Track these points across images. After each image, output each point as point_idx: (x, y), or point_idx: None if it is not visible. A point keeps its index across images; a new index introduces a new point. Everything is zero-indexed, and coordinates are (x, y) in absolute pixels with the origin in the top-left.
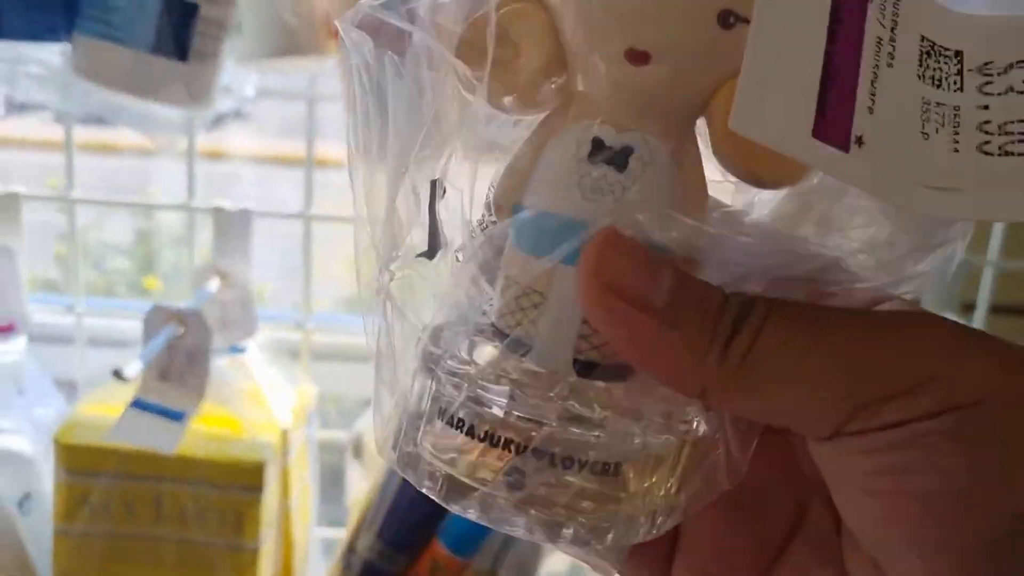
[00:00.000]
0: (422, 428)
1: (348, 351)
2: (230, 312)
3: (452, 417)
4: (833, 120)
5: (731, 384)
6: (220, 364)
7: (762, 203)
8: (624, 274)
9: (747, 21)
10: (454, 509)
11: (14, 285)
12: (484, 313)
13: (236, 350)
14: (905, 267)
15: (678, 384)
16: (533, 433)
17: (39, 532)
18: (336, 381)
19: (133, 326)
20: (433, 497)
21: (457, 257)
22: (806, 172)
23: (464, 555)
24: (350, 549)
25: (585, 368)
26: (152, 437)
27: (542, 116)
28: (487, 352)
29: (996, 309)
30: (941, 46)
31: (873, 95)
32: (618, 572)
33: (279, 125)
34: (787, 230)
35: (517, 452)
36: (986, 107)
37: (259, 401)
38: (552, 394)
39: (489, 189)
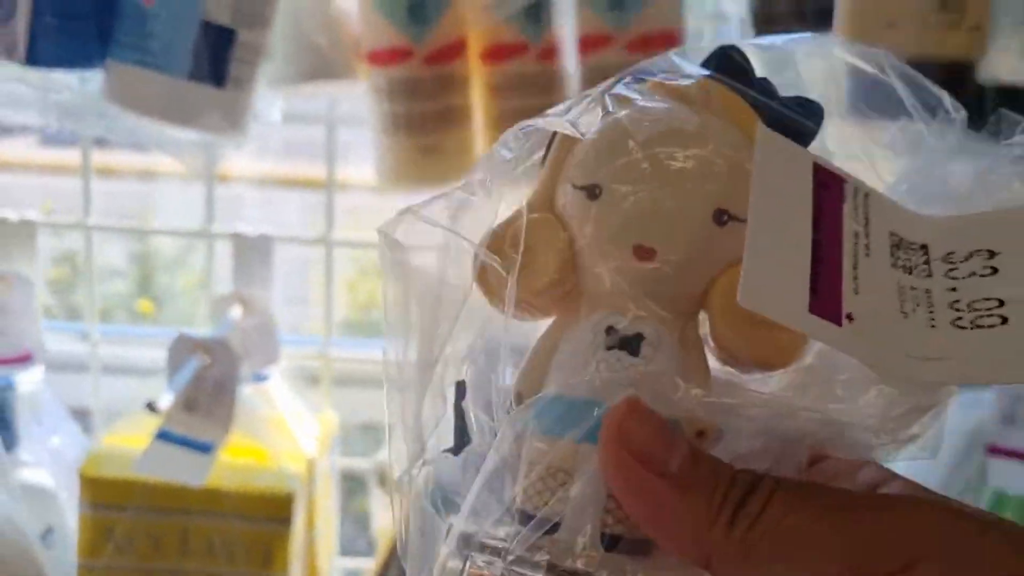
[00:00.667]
0: None
1: (367, 376)
2: (252, 340)
3: None
4: (825, 298)
5: (734, 554)
6: (244, 393)
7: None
8: (643, 440)
9: (739, 219)
10: None
11: (30, 314)
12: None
13: (259, 378)
14: (901, 430)
15: (685, 551)
16: None
17: (62, 567)
18: (356, 407)
19: (143, 353)
20: None
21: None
22: (797, 353)
23: None
24: None
25: (611, 542)
26: (180, 469)
27: (553, 319)
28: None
29: None
30: (906, 240)
31: (856, 279)
32: None
33: (280, 146)
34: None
35: None
36: (954, 289)
37: (283, 430)
38: (584, 566)
39: (507, 398)
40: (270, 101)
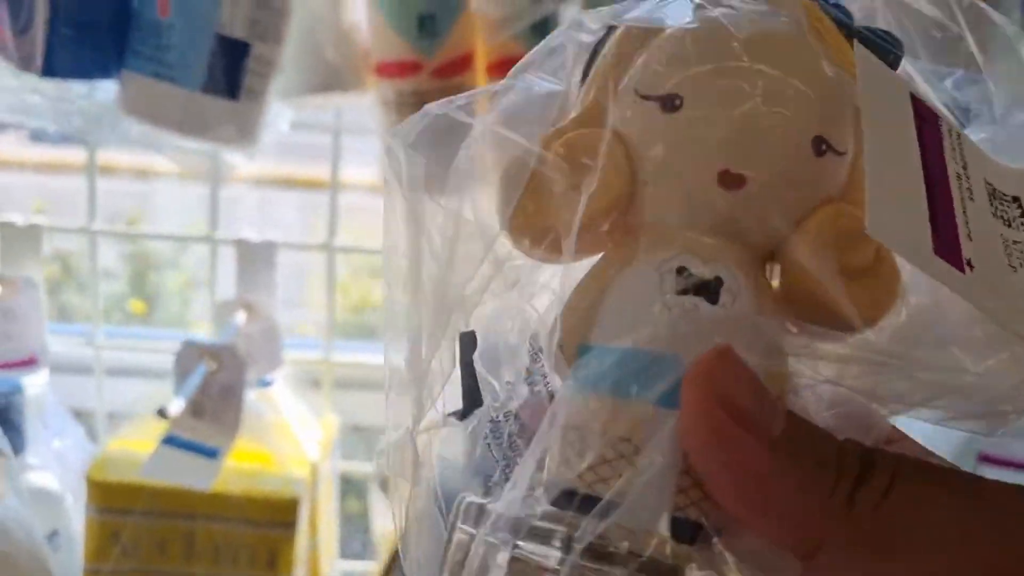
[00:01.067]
0: None
1: (365, 380)
2: (256, 345)
3: None
4: (945, 241)
5: (854, 539)
6: (249, 398)
7: None
8: (740, 395)
9: (836, 151)
10: None
11: (36, 317)
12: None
13: (263, 383)
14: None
15: (790, 532)
16: None
17: (67, 570)
18: (354, 410)
19: (139, 355)
20: None
21: (494, 419)
22: (886, 311)
23: None
24: None
25: (680, 526)
26: (187, 474)
27: (600, 256)
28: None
29: None
30: (1000, 191)
31: (968, 224)
32: None
33: (276, 147)
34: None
35: None
36: None
37: (287, 435)
38: (661, 558)
39: (530, 339)
40: (279, 111)
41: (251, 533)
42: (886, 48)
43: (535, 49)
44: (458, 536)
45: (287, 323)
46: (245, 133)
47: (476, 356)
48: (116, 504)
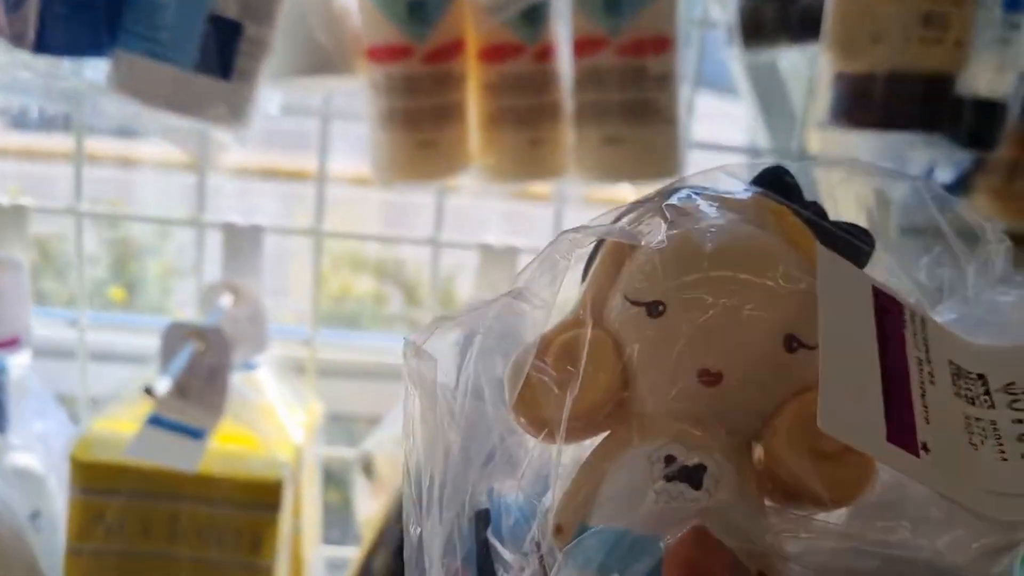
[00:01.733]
0: None
1: (346, 368)
2: (242, 328)
3: None
4: (900, 427)
5: None
6: (234, 381)
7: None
8: (714, 573)
9: (808, 347)
10: None
11: (21, 299)
12: None
13: (248, 367)
14: (985, 567)
15: None
16: None
17: (48, 550)
18: (339, 398)
19: (122, 340)
20: None
21: None
22: (860, 490)
23: None
24: (365, 568)
25: None
26: (172, 455)
27: (599, 440)
28: None
29: None
30: (965, 369)
31: (926, 407)
32: None
33: (258, 137)
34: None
35: None
36: (1020, 421)
37: (272, 418)
38: None
39: (536, 523)
40: (269, 94)
41: (235, 515)
42: (855, 243)
43: (531, 264)
44: None
45: (269, 311)
46: (237, 113)
47: (489, 532)
48: (100, 484)
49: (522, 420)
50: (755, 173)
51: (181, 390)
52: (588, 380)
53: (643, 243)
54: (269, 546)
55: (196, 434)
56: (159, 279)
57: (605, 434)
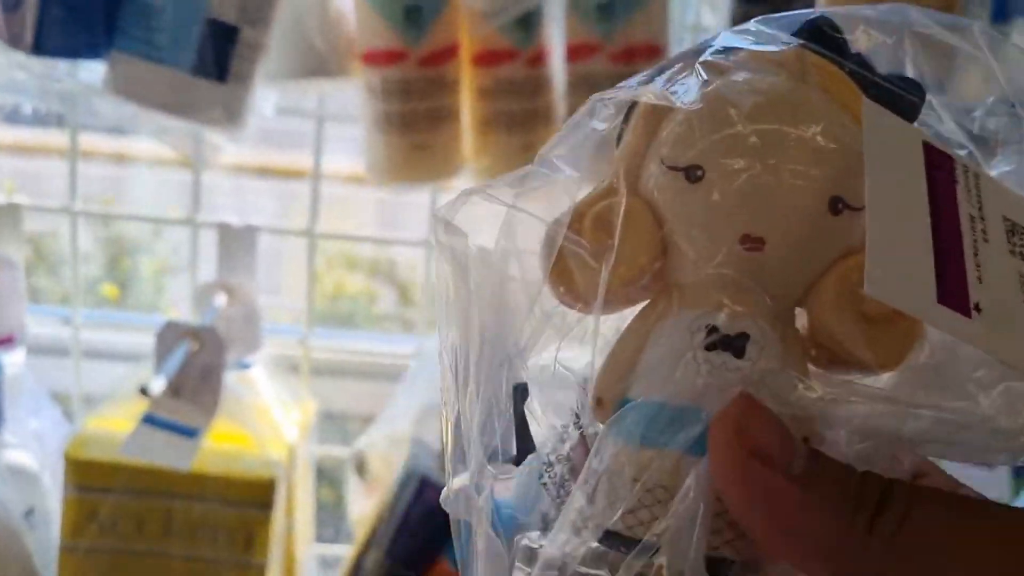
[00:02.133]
0: None
1: (341, 367)
2: (236, 327)
3: None
4: (951, 288)
5: (883, 560)
6: (228, 380)
7: None
8: (763, 437)
9: (854, 208)
10: None
11: (15, 297)
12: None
13: (242, 366)
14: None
15: (817, 560)
16: None
17: (42, 548)
18: (333, 397)
19: (114, 338)
20: None
21: (549, 461)
22: (907, 353)
23: None
24: (357, 566)
25: (716, 565)
26: (165, 453)
27: (639, 310)
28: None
29: None
30: (1020, 225)
31: (978, 266)
32: None
33: (253, 136)
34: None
35: None
36: None
37: (266, 417)
38: None
39: (578, 397)
40: (264, 95)
41: (228, 513)
42: (903, 95)
43: (558, 134)
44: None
45: (263, 310)
46: (232, 115)
47: (528, 405)
48: (94, 482)
49: (560, 291)
50: (795, 25)
51: (175, 389)
52: (625, 250)
53: (677, 103)
54: (262, 544)
55: (190, 433)
56: (153, 277)
57: (644, 304)
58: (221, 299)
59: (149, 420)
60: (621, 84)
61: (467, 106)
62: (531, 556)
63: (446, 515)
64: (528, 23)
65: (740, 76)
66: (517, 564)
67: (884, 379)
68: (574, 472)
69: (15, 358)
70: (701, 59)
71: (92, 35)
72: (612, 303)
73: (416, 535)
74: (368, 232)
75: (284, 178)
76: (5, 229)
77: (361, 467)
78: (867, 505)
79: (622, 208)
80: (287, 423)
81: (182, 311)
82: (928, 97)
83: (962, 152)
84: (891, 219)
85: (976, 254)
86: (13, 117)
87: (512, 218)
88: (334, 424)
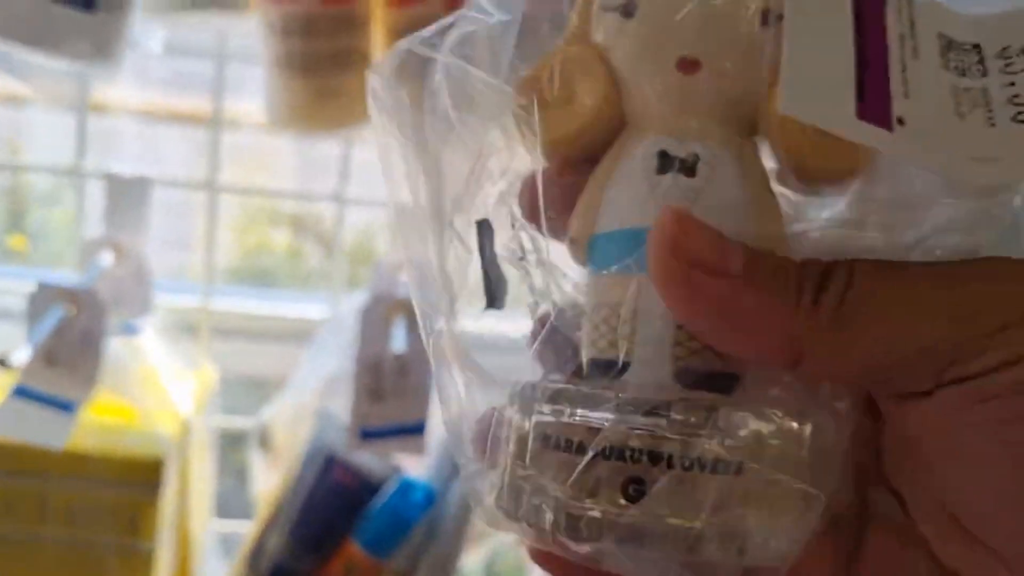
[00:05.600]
0: (527, 467)
1: (250, 328)
2: (124, 288)
3: (559, 440)
4: (873, 103)
5: (828, 338)
6: (113, 346)
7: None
8: (699, 245)
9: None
10: (581, 542)
11: None
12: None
13: (130, 330)
14: (967, 239)
15: (774, 346)
16: (640, 443)
17: None
18: (238, 360)
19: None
20: (561, 537)
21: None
22: (857, 165)
23: (380, 555)
24: (257, 548)
25: (686, 376)
26: (38, 430)
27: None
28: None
29: None
30: (957, 41)
31: (905, 82)
32: None
33: (162, 77)
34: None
35: (632, 461)
36: (1012, 83)
37: (156, 387)
38: (654, 398)
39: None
40: (150, 30)
41: (110, 494)
42: None
43: None
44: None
45: (170, 266)
46: (102, 49)
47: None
48: None
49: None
50: None
51: (49, 357)
52: (582, 97)
53: None
54: (148, 526)
55: (66, 407)
56: (62, 229)
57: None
58: (107, 257)
59: (19, 392)
60: None
61: (379, 49)
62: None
63: (354, 494)
64: None
65: None
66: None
67: (841, 205)
68: (561, 310)
69: None
70: None
71: None
72: (584, 148)
73: (322, 515)
74: (289, 186)
75: (196, 125)
76: None
77: (265, 440)
78: (810, 286)
79: (572, 56)
80: (181, 394)
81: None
82: None
83: None
84: (810, 35)
85: (904, 70)
86: None
87: (449, 68)
88: (249, 391)
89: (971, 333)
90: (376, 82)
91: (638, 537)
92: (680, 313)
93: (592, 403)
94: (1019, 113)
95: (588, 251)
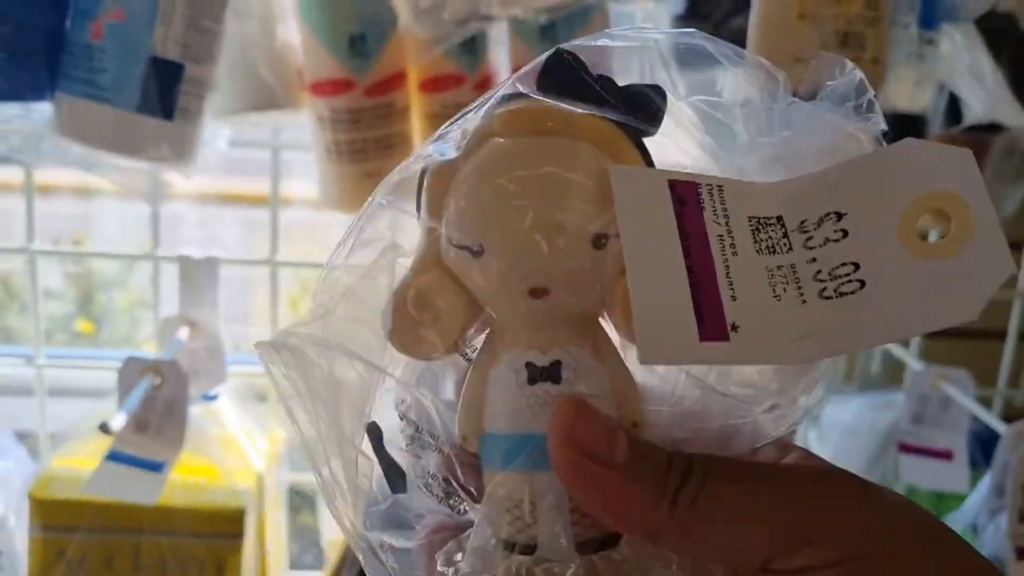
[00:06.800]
0: None
1: None
2: (200, 361)
3: None
4: (711, 321)
5: (680, 528)
6: (193, 412)
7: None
8: (589, 438)
9: (616, 236)
10: None
11: None
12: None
13: (208, 398)
14: (794, 400)
15: (637, 530)
16: None
17: None
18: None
19: (87, 374)
20: None
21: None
22: None
23: None
24: None
25: (585, 546)
26: (132, 489)
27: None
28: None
29: None
30: (764, 217)
31: (731, 285)
32: None
33: (218, 163)
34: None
35: None
36: (814, 259)
37: (233, 447)
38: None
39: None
40: (216, 129)
41: (198, 545)
42: (648, 101)
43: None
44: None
45: (232, 339)
46: (180, 152)
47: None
48: (60, 521)
49: (407, 353)
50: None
51: (139, 424)
52: (442, 321)
53: (458, 172)
54: (233, 573)
55: (155, 467)
56: (127, 310)
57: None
58: (184, 333)
59: (113, 456)
60: (436, 135)
61: (417, 132)
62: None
63: None
64: (473, 47)
65: (500, 148)
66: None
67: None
68: (447, 480)
69: None
70: (463, 123)
71: (35, 78)
72: (454, 350)
73: None
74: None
75: (250, 205)
76: None
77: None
78: (672, 481)
79: (433, 285)
80: (255, 452)
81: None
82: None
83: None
84: (650, 276)
85: (728, 272)
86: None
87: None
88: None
89: (787, 541)
90: (267, 356)
91: None
92: (572, 491)
93: None
94: (823, 289)
95: (480, 447)
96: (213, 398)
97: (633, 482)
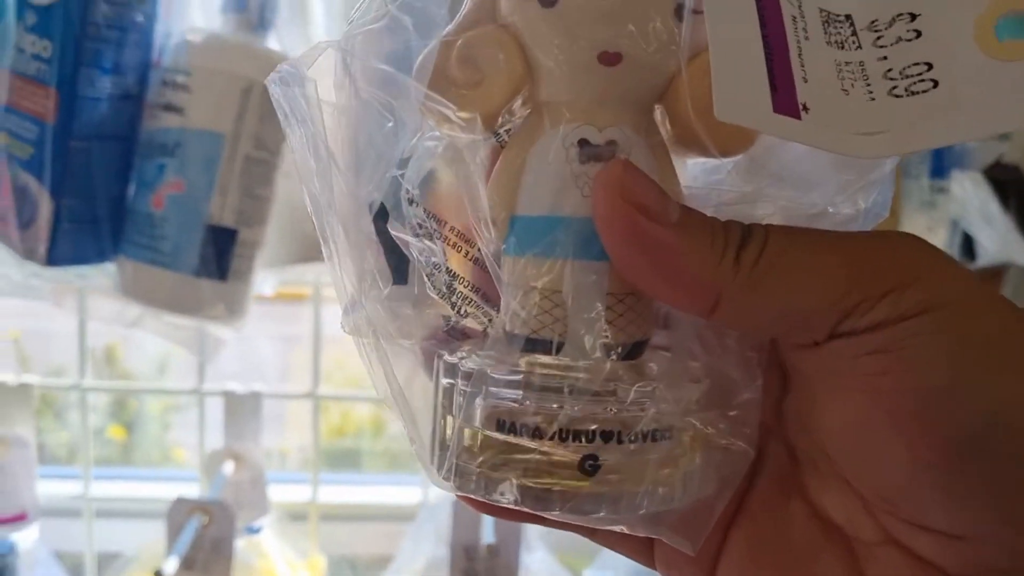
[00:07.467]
0: (479, 444)
1: (355, 511)
2: (244, 493)
3: (515, 425)
4: (783, 94)
5: (745, 287)
6: (238, 547)
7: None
8: (642, 193)
9: (695, 11)
10: (540, 511)
11: (27, 475)
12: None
13: (251, 530)
14: (851, 201)
15: (696, 293)
16: (592, 425)
17: None
18: (342, 542)
19: (129, 490)
20: (511, 505)
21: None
22: (748, 142)
23: None
24: None
25: (612, 350)
26: None
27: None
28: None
29: None
30: (833, 13)
31: (803, 67)
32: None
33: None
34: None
35: (586, 441)
36: (884, 58)
37: None
38: (600, 381)
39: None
40: (264, 278)
41: None
42: None
43: None
44: (443, 384)
45: (269, 450)
46: (233, 309)
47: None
48: None
49: (437, 117)
50: None
51: (187, 563)
52: (492, 79)
53: None
54: None
55: None
56: (160, 415)
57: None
58: (229, 466)
59: None
60: None
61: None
62: (450, 370)
63: None
64: None
65: None
66: (441, 379)
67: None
68: (451, 274)
69: (28, 535)
70: None
71: (100, 244)
72: (489, 125)
73: None
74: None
75: (290, 302)
76: (17, 408)
77: None
78: (732, 242)
79: (485, 38)
80: None
81: (187, 453)
82: None
83: None
84: (728, 40)
85: (800, 54)
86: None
87: (366, 67)
88: (349, 569)
89: (864, 292)
90: (276, 80)
91: (595, 504)
92: (618, 253)
93: (544, 390)
94: (894, 87)
95: (508, 232)
96: (257, 531)
97: (692, 238)
